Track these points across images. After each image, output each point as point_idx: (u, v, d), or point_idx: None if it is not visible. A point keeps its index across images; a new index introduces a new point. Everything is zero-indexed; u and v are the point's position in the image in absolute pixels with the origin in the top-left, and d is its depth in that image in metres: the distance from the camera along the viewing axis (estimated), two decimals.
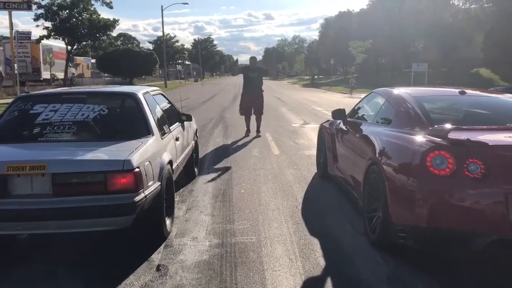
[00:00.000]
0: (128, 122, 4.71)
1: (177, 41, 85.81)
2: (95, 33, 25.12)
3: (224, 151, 9.40)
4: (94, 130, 4.45)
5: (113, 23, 25.34)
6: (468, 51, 36.75)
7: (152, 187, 4.00)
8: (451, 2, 41.10)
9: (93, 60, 48.86)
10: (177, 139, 5.52)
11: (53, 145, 4.20)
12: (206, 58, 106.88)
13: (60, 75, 31.77)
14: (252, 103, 11.30)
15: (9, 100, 19.82)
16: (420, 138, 3.92)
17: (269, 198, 5.85)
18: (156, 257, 4.06)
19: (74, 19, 23.87)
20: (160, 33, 61.16)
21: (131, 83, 38.46)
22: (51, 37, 24.34)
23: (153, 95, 5.48)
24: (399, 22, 39.65)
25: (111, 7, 24.84)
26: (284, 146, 9.87)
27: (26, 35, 22.69)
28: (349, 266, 3.90)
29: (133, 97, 4.87)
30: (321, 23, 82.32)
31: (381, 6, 46.61)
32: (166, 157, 4.57)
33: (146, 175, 3.87)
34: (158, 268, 3.84)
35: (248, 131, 11.31)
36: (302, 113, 17.57)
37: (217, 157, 8.80)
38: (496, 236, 3.39)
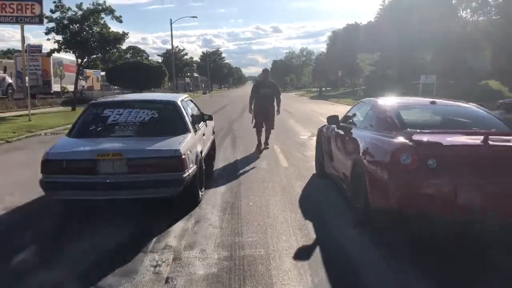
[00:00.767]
0: (173, 123, 6.32)
1: (186, 54, 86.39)
2: (105, 46, 25.28)
3: (233, 163, 9.43)
4: (149, 128, 6.15)
5: (123, 37, 25.49)
6: (477, 63, 36.56)
7: (191, 168, 5.68)
8: (459, 15, 41.10)
9: (103, 73, 49.34)
10: (203, 134, 7.37)
11: (123, 139, 5.97)
12: (214, 71, 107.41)
13: (70, 87, 32.06)
14: (263, 118, 11.04)
15: (20, 113, 20.10)
16: (393, 140, 4.93)
17: (278, 211, 5.85)
18: (165, 269, 4.07)
19: (84, 33, 24.07)
20: (169, 46, 61.65)
21: None
22: (62, 50, 24.53)
23: (186, 101, 7.27)
24: (407, 34, 39.64)
25: (120, 21, 25.02)
26: (292, 158, 9.88)
27: (37, 48, 22.98)
28: (357, 278, 3.88)
29: (174, 104, 6.61)
30: (328, 36, 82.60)
31: (389, 18, 46.68)
32: (198, 148, 6.38)
33: (188, 160, 5.55)
34: (167, 281, 3.85)
35: (259, 145, 11.04)
36: (310, 125, 17.56)
37: (226, 169, 8.82)
38: (447, 217, 4.32)
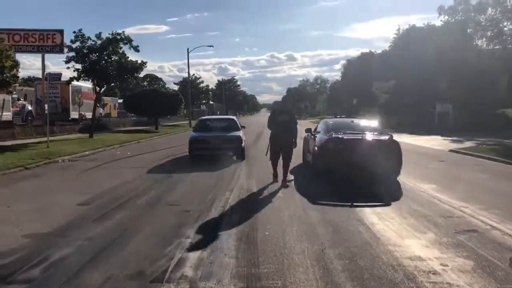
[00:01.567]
0: (234, 126, 16.18)
1: (202, 81, 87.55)
2: (124, 75, 25.77)
3: (248, 191, 9.39)
4: (225, 128, 15.88)
5: (141, 66, 26.00)
6: (493, 92, 36.26)
7: (243, 143, 15.28)
8: (474, 43, 41.02)
9: (120, 100, 50.08)
10: (244, 133, 16.29)
11: (216, 132, 15.66)
12: (229, 98, 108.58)
13: (88, 114, 32.54)
14: (280, 149, 10.52)
15: (39, 139, 20.44)
16: (325, 137, 11.45)
17: (294, 241, 5.76)
18: None
19: (103, 62, 24.61)
20: (185, 74, 62.50)
21: (156, 122, 40.53)
22: (81, 78, 25.07)
23: (237, 118, 19.58)
24: (422, 62, 39.60)
25: (137, 51, 25.59)
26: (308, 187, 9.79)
27: (57, 76, 23.49)
28: None
29: (234, 118, 18.02)
30: (343, 64, 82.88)
31: (404, 46, 46.81)
32: (244, 137, 15.69)
33: (243, 140, 15.29)
34: None
35: (275, 175, 10.50)
36: None
37: (241, 197, 8.80)
38: (343, 169, 10.38)
